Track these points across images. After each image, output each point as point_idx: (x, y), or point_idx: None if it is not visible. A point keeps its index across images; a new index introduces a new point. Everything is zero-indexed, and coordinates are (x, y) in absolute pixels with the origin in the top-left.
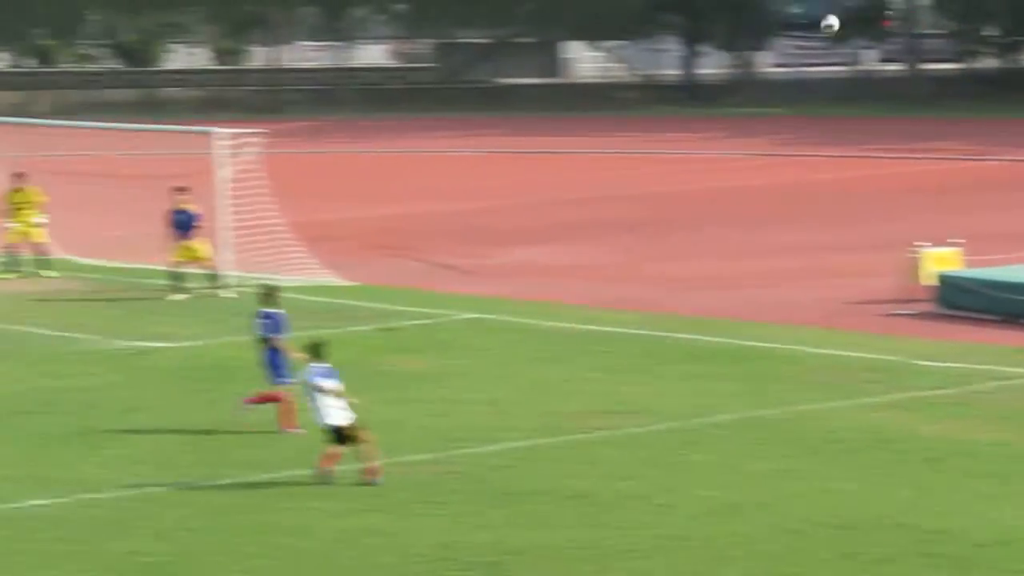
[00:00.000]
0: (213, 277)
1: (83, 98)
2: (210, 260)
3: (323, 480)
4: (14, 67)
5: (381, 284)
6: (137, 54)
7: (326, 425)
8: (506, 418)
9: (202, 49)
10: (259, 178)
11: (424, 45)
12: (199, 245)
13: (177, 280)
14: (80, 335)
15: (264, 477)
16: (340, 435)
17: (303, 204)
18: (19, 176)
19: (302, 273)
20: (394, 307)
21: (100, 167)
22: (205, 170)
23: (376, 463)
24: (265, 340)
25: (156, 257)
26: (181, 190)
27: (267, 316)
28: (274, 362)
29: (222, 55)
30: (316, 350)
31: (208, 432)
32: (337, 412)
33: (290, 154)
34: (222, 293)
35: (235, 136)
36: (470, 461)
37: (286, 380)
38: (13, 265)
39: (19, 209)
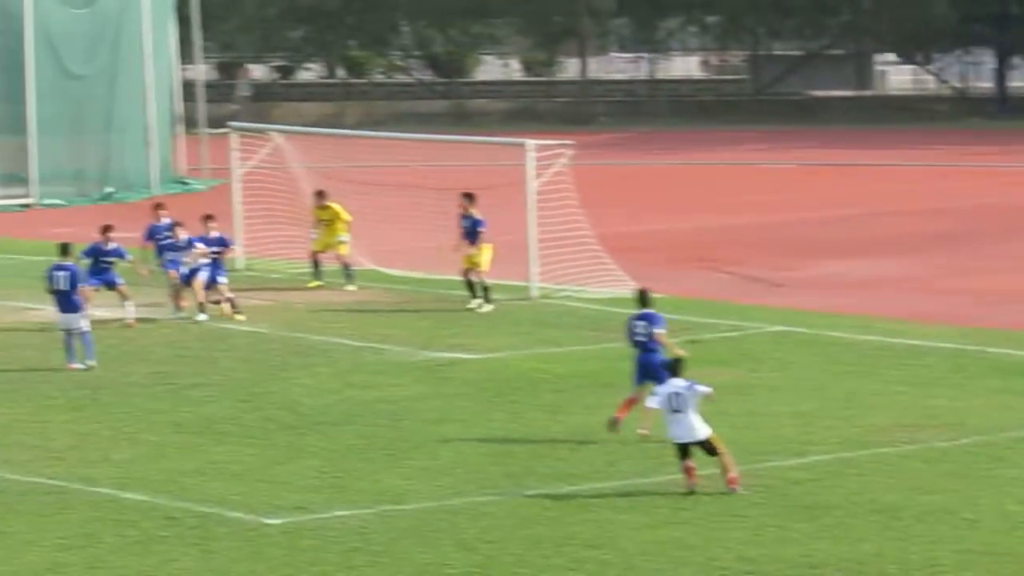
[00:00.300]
0: (484, 288)
1: (392, 109)
2: (484, 270)
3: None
4: (326, 78)
5: (689, 296)
6: (448, 65)
7: (682, 440)
8: (812, 431)
9: (513, 60)
10: (568, 190)
11: (736, 57)
12: (480, 253)
13: (471, 290)
14: (387, 346)
15: (567, 489)
16: (692, 448)
17: (611, 216)
18: (321, 194)
19: (609, 285)
20: (701, 319)
21: (409, 178)
22: (514, 181)
23: (735, 472)
24: (641, 344)
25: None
26: (468, 196)
27: (644, 318)
28: (652, 365)
29: (533, 66)
30: (674, 367)
31: (512, 443)
32: (696, 428)
33: (599, 166)
34: (482, 307)
35: (545, 148)
36: (775, 474)
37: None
38: (317, 274)
39: (326, 225)
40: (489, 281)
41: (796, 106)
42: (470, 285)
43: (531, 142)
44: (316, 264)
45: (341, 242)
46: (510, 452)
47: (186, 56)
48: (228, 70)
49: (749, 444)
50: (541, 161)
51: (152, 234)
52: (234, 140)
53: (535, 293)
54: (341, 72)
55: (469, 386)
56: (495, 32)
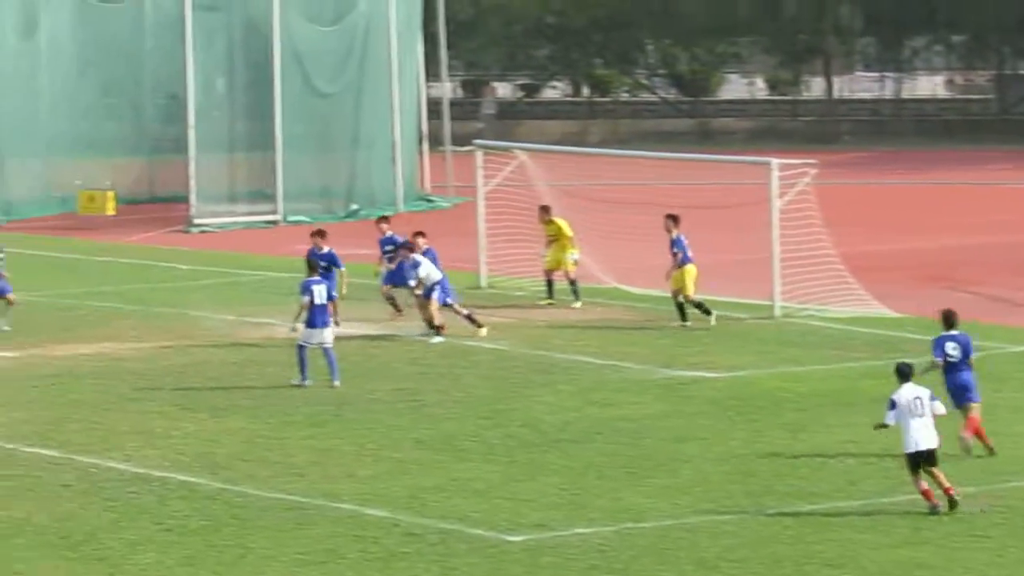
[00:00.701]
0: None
1: (636, 128)
2: (683, 289)
3: (932, 511)
4: (570, 96)
5: (931, 316)
6: (692, 84)
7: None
8: None
9: (758, 79)
10: (811, 208)
11: (981, 76)
12: (683, 274)
13: (699, 308)
14: (628, 364)
15: (808, 508)
16: (921, 459)
17: (854, 235)
18: (545, 209)
19: (852, 304)
20: None
21: (652, 196)
22: (757, 200)
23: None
24: (953, 365)
25: (709, 286)
26: (671, 218)
27: (949, 339)
28: (964, 384)
29: (777, 85)
30: (904, 374)
31: (753, 462)
32: (929, 435)
33: (843, 185)
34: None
35: (789, 167)
36: (1017, 495)
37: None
38: (549, 292)
39: (552, 240)
40: (699, 297)
41: None
42: (698, 304)
43: (775, 161)
44: (549, 282)
45: (567, 260)
46: (751, 471)
47: (432, 74)
48: (473, 88)
49: (991, 464)
50: (785, 180)
51: (381, 247)
52: (478, 158)
53: (778, 312)
54: (586, 90)
55: (710, 404)
56: (740, 51)
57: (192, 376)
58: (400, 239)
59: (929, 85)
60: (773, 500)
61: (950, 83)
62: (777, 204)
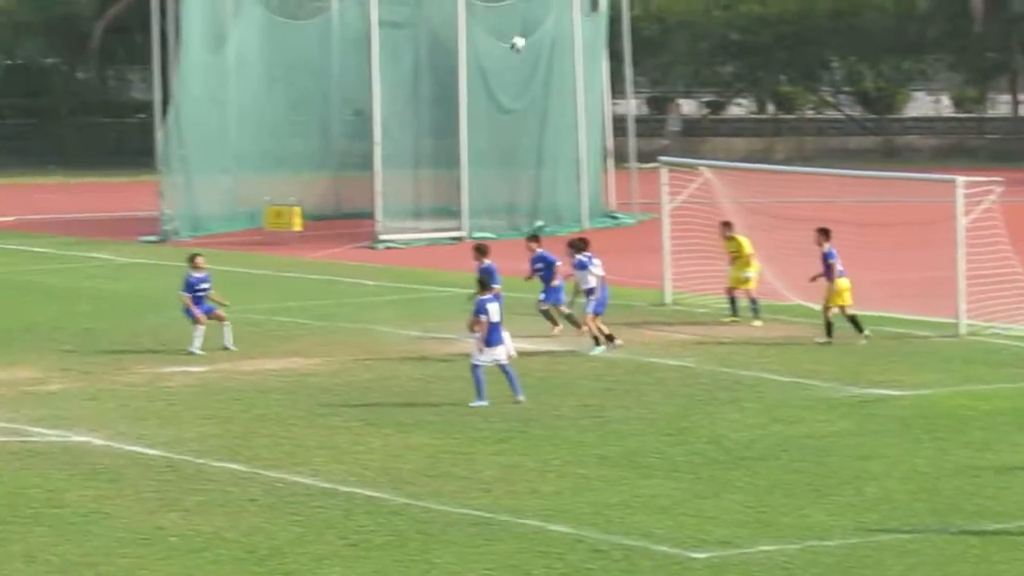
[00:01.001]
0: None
1: (821, 145)
2: (837, 303)
3: None
4: (755, 114)
5: None
6: (877, 101)
7: None
8: None
9: (943, 97)
10: (997, 226)
11: None
12: (841, 287)
13: (853, 324)
14: (814, 381)
15: (994, 527)
16: None
17: None
18: (727, 225)
19: None
20: None
21: (837, 214)
22: (941, 218)
23: None
24: None
25: (894, 304)
26: (823, 232)
27: None
28: None
29: (963, 103)
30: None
31: (938, 480)
32: None
33: None
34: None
35: (974, 184)
36: None
37: None
38: (733, 309)
39: (733, 258)
40: (855, 311)
41: None
42: (828, 325)
43: (960, 178)
44: (732, 299)
45: (747, 278)
46: (936, 489)
47: (617, 91)
48: (658, 105)
49: None
50: (970, 197)
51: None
52: (663, 175)
53: (963, 330)
54: (771, 108)
55: (896, 422)
56: (925, 68)
57: (378, 391)
58: (552, 258)
59: None
60: (959, 519)
61: None
62: (963, 222)
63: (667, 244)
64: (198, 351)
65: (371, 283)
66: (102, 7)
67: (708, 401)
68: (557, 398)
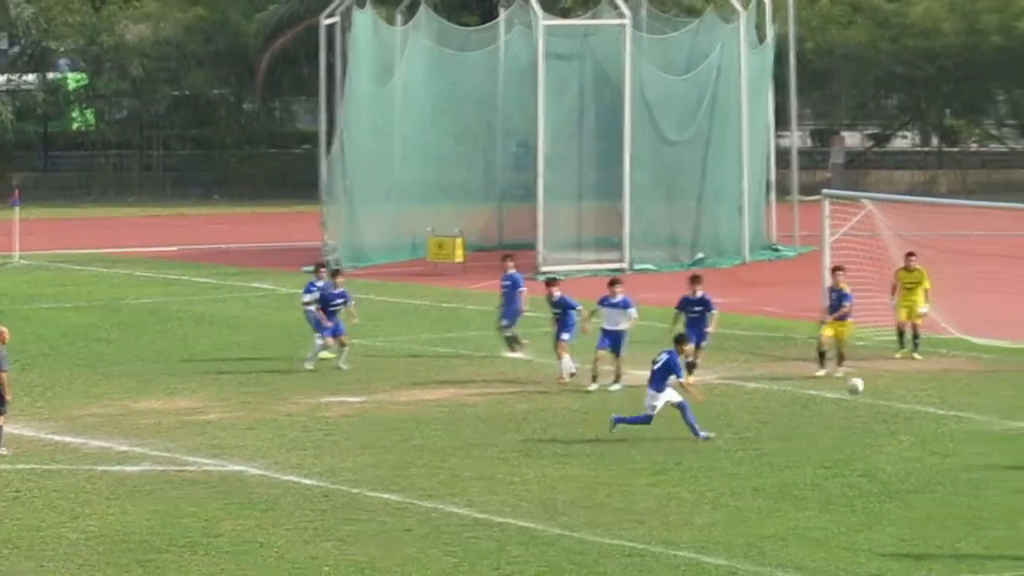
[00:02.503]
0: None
1: (985, 178)
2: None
3: None
4: (919, 146)
5: None
6: None
7: None
8: None
9: None
10: None
11: None
12: (843, 327)
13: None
14: (970, 415)
15: None
16: None
17: None
18: (911, 256)
19: None
20: None
21: (1001, 247)
22: None
23: None
24: None
25: None
26: (838, 270)
27: None
28: None
29: None
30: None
31: None
32: None
33: None
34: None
35: None
36: None
37: None
38: (900, 343)
39: (908, 289)
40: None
41: None
42: (822, 356)
43: None
44: (901, 333)
45: (923, 313)
46: None
47: (781, 123)
48: (822, 137)
49: None
50: None
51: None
52: (826, 207)
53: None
54: (935, 140)
55: None
56: None
57: (534, 422)
58: (573, 302)
59: None
60: None
61: None
62: None
63: (827, 277)
64: (311, 366)
65: (531, 314)
66: (269, 38)
67: (864, 433)
68: (714, 430)
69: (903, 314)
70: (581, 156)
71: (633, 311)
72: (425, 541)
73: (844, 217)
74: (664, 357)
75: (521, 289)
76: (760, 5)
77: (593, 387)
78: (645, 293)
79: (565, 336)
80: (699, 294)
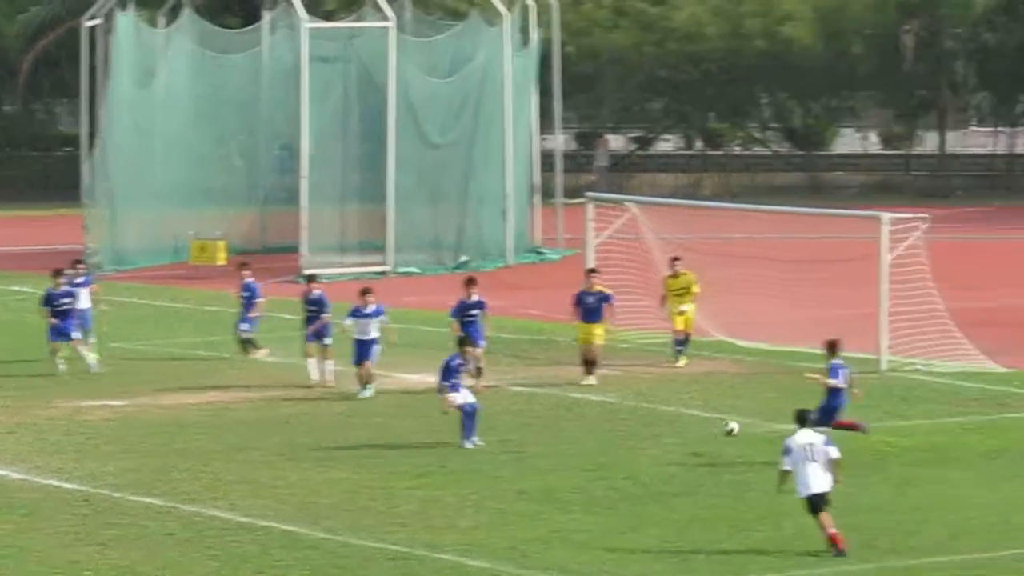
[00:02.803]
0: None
1: (749, 181)
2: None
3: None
4: (683, 150)
5: None
6: (805, 138)
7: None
8: None
9: (871, 133)
10: (921, 263)
11: None
12: (599, 329)
13: (587, 367)
14: (735, 417)
15: (911, 562)
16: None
17: (964, 290)
18: (676, 260)
19: (959, 359)
20: None
21: (763, 250)
22: (867, 254)
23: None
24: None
25: (817, 340)
26: (592, 272)
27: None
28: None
29: (891, 139)
30: (801, 419)
31: (857, 516)
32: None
33: (955, 240)
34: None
35: (900, 221)
36: None
37: None
38: (676, 353)
39: (678, 296)
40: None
41: None
42: (587, 363)
43: (886, 215)
44: (679, 342)
45: (681, 313)
46: (854, 524)
47: (545, 126)
48: (586, 140)
49: None
50: (896, 234)
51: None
52: (590, 210)
53: (884, 366)
54: (698, 143)
55: None
56: (855, 105)
57: (297, 426)
58: (328, 304)
59: None
60: (875, 554)
61: None
62: (887, 258)
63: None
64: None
65: (294, 317)
66: (31, 40)
67: (628, 436)
68: (476, 433)
69: (679, 323)
70: (345, 159)
71: (385, 317)
72: (188, 545)
73: (608, 220)
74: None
75: (259, 300)
76: (524, 9)
77: (367, 393)
78: (409, 296)
79: (326, 340)
80: (474, 298)
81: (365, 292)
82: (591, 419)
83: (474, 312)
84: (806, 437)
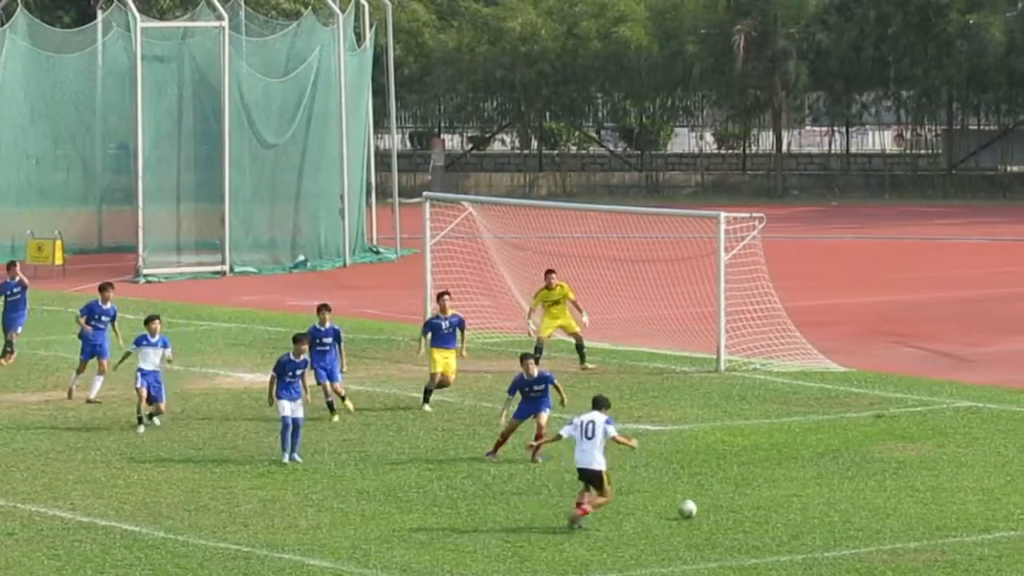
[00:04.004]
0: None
1: (585, 181)
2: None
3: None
4: (519, 149)
5: (876, 370)
6: (641, 137)
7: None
8: (999, 507)
9: (707, 133)
10: (758, 262)
11: (930, 132)
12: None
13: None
14: (575, 417)
15: (751, 561)
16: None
17: (801, 289)
18: (551, 273)
19: (797, 358)
20: (889, 394)
21: (600, 250)
22: (704, 254)
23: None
24: None
25: (656, 339)
26: (444, 295)
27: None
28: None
29: (726, 139)
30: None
31: (697, 515)
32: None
33: (791, 239)
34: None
35: (736, 220)
36: (960, 550)
37: None
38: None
39: (555, 304)
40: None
41: (990, 181)
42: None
43: (723, 214)
44: (539, 349)
45: (584, 323)
46: (694, 524)
47: (381, 126)
48: (422, 140)
49: (935, 519)
50: (732, 233)
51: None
52: (426, 210)
53: (723, 365)
54: (534, 143)
55: (654, 457)
56: (690, 105)
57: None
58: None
59: (878, 140)
60: (716, 553)
61: (899, 138)
62: (724, 257)
63: (429, 279)
64: None
65: (131, 317)
66: None
67: (468, 435)
68: (317, 432)
69: (548, 328)
70: (181, 158)
71: (169, 351)
72: (28, 545)
73: (445, 220)
74: None
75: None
76: (359, 8)
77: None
78: (247, 296)
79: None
80: (326, 326)
81: (150, 320)
82: (431, 418)
83: (328, 341)
84: (589, 416)
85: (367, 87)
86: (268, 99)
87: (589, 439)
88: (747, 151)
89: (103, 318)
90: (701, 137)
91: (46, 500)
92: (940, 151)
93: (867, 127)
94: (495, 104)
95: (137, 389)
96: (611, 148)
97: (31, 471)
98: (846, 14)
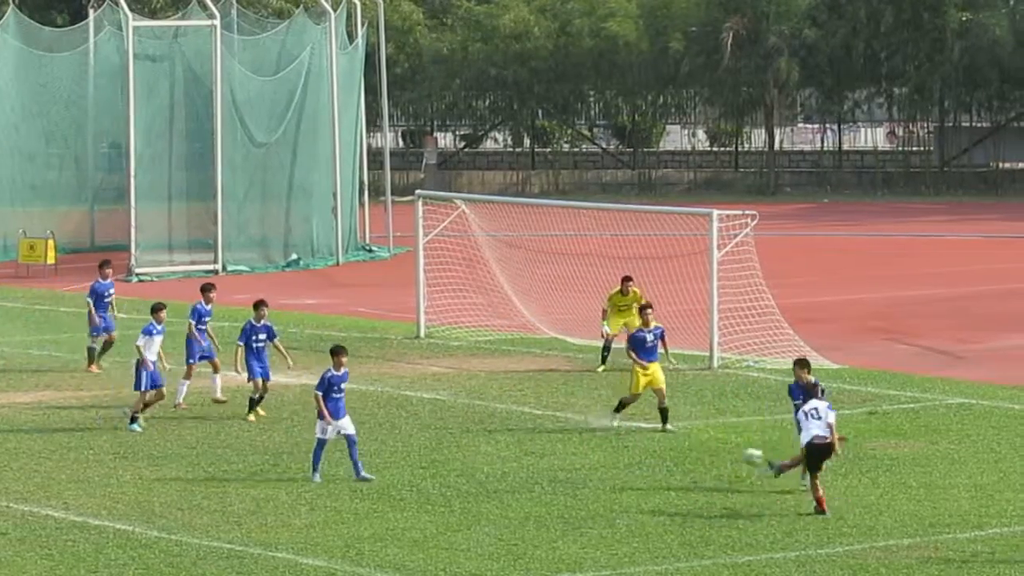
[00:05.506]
0: None
1: (577, 178)
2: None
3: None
4: (512, 147)
5: (869, 367)
6: (633, 135)
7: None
8: (992, 504)
9: (699, 131)
10: (751, 260)
11: (922, 129)
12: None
13: None
14: (567, 414)
15: (745, 558)
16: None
17: (794, 286)
18: (627, 280)
19: (790, 355)
20: (882, 390)
21: (593, 247)
22: (698, 251)
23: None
24: None
25: None
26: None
27: None
28: None
29: (719, 137)
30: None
31: (690, 513)
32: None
33: (784, 236)
34: None
35: (729, 218)
36: (953, 547)
37: None
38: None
39: (621, 311)
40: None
41: (982, 178)
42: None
43: (715, 212)
44: (607, 348)
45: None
46: (687, 521)
47: (373, 124)
48: (414, 138)
49: (928, 516)
50: (725, 231)
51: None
52: (419, 208)
53: (716, 363)
54: (527, 141)
55: (648, 455)
56: (682, 102)
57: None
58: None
59: (870, 137)
60: (710, 551)
61: (891, 135)
62: (716, 255)
63: (421, 277)
64: None
65: (124, 316)
66: None
67: (461, 434)
68: (310, 431)
69: (616, 326)
70: (173, 157)
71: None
72: (21, 545)
73: (438, 218)
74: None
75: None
76: (350, 6)
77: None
78: (238, 295)
79: None
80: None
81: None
82: (424, 416)
83: (262, 338)
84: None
85: (359, 85)
86: (259, 98)
87: (816, 420)
88: (739, 148)
89: (205, 319)
90: (694, 135)
91: (39, 500)
92: (932, 148)
93: (859, 124)
94: (488, 102)
95: (141, 392)
96: (604, 146)
97: (23, 470)
98: (837, 11)
